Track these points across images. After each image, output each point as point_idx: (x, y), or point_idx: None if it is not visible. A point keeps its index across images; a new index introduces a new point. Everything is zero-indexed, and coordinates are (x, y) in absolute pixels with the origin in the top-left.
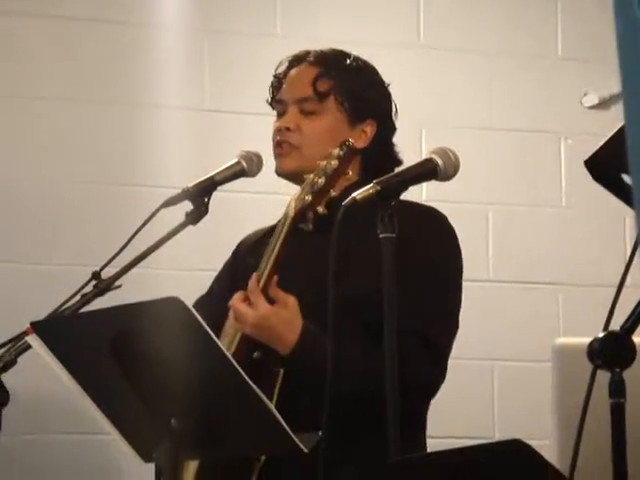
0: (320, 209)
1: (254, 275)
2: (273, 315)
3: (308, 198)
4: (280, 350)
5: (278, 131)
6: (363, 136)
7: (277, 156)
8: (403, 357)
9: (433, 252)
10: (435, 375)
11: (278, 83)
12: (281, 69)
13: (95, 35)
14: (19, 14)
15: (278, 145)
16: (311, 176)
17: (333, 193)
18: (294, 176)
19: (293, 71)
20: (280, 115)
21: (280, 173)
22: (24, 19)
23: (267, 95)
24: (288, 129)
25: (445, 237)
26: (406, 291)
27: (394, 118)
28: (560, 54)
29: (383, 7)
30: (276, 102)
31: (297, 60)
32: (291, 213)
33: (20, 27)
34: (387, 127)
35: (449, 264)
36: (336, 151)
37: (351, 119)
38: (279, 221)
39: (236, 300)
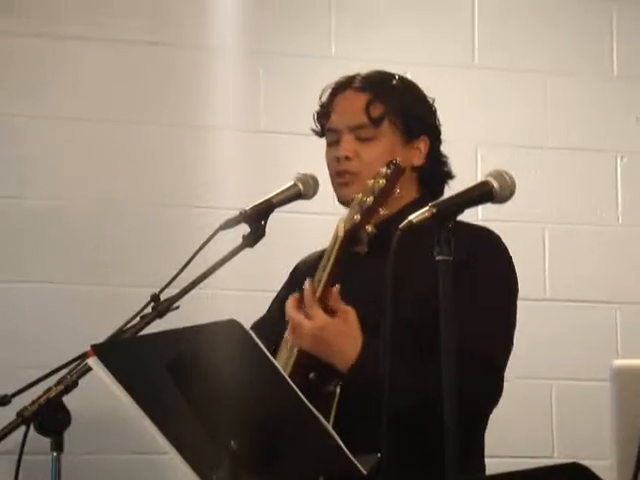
0: (369, 228)
1: (309, 284)
2: (332, 327)
3: (357, 217)
4: (338, 365)
5: (337, 161)
6: (418, 153)
7: (339, 185)
8: (460, 375)
9: (489, 272)
10: (492, 394)
11: (326, 111)
12: (325, 96)
13: (151, 58)
14: (76, 39)
15: (339, 175)
16: (359, 195)
17: (382, 212)
18: None
19: (341, 99)
20: (333, 144)
21: (344, 202)
22: (81, 43)
23: None
24: (347, 158)
25: (500, 257)
26: (462, 311)
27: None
28: (615, 73)
29: (437, 28)
30: (328, 131)
31: (342, 86)
32: (340, 233)
33: (78, 51)
34: (438, 141)
35: (504, 284)
36: (383, 170)
37: (405, 138)
38: (330, 240)
39: (291, 309)
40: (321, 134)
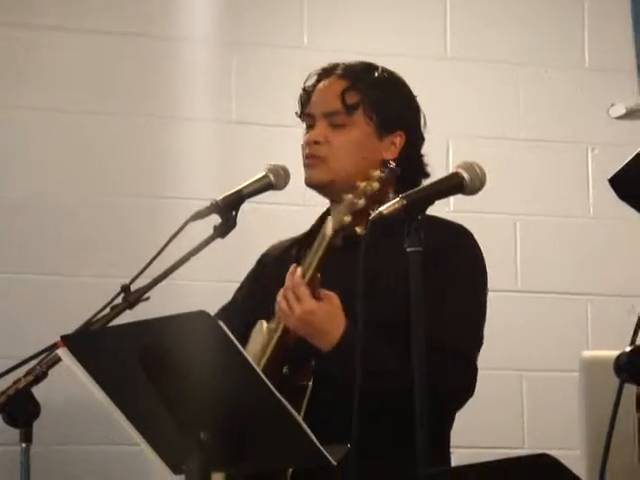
0: (359, 230)
1: (297, 269)
2: (319, 310)
3: (347, 219)
4: (322, 346)
5: (307, 144)
6: (392, 148)
7: (305, 167)
8: (435, 367)
9: (458, 267)
10: (466, 387)
11: (307, 96)
12: (309, 82)
13: (123, 48)
14: (48, 28)
15: (307, 158)
16: (350, 196)
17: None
18: (322, 188)
19: (321, 84)
20: (309, 128)
21: (309, 184)
22: (53, 33)
23: (294, 107)
24: (317, 142)
25: (470, 252)
26: (433, 304)
27: (423, 129)
28: (587, 65)
29: (409, 19)
30: (305, 115)
31: (325, 73)
32: (329, 232)
33: (49, 41)
34: (416, 138)
35: (474, 279)
36: (377, 173)
37: (379, 131)
38: (318, 236)
39: (282, 297)
40: (301, 119)
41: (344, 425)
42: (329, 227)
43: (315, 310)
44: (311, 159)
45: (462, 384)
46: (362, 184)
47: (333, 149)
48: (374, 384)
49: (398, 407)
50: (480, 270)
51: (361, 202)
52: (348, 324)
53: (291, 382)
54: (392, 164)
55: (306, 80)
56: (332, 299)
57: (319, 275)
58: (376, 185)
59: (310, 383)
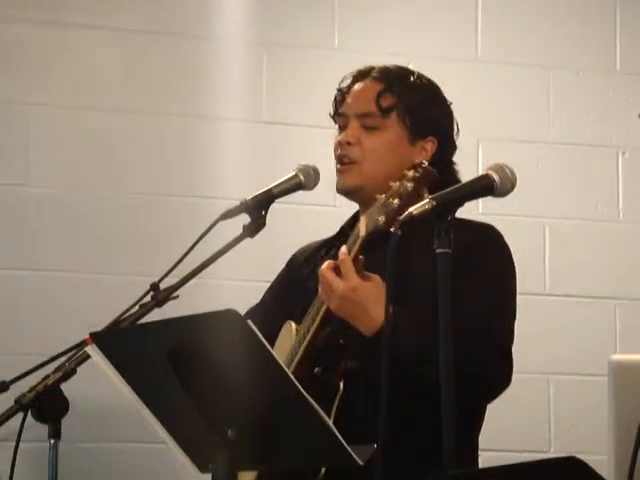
0: (394, 230)
1: (344, 247)
2: (364, 289)
3: (381, 219)
4: (365, 329)
5: (339, 145)
6: (423, 153)
7: (338, 172)
8: (474, 355)
9: (491, 264)
10: (505, 372)
11: (342, 97)
12: (345, 83)
13: (154, 47)
14: (79, 26)
15: (339, 159)
16: (383, 197)
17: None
18: (353, 194)
19: (356, 86)
20: (342, 129)
21: (340, 190)
22: (84, 31)
23: (325, 107)
24: (349, 143)
25: (502, 252)
26: (468, 296)
27: (455, 137)
28: (618, 68)
29: (441, 21)
30: (338, 116)
31: (361, 75)
32: (362, 233)
33: (80, 39)
34: (448, 145)
35: (506, 276)
36: (411, 173)
37: (412, 136)
38: (350, 237)
39: (326, 269)
40: (334, 119)
41: (374, 427)
42: (362, 228)
43: (359, 287)
44: (343, 161)
45: (501, 372)
46: (395, 184)
47: (365, 151)
48: (425, 370)
49: (429, 406)
50: (511, 269)
51: (395, 202)
52: (394, 309)
53: (322, 382)
54: (425, 163)
55: (341, 81)
56: (377, 281)
57: (362, 257)
58: (410, 185)
59: (341, 384)
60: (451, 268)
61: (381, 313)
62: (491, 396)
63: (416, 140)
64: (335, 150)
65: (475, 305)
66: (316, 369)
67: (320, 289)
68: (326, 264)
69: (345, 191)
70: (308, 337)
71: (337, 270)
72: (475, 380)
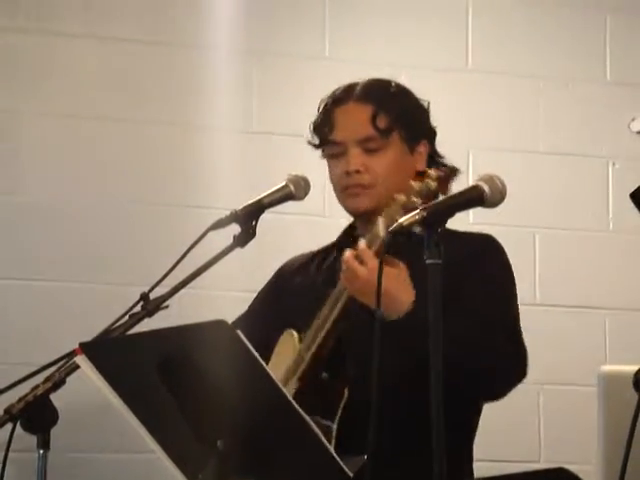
0: (418, 230)
1: (362, 243)
2: (387, 272)
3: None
4: (389, 312)
5: (347, 174)
6: (420, 158)
7: (349, 196)
8: (490, 348)
9: (492, 267)
10: (521, 363)
11: (326, 124)
12: (324, 108)
13: (145, 57)
14: (70, 35)
15: (350, 188)
16: (402, 196)
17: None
18: (368, 214)
19: (342, 111)
20: (337, 157)
21: (356, 212)
22: (75, 40)
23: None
24: (358, 171)
25: (501, 257)
26: (477, 301)
27: (434, 127)
28: (609, 78)
29: (431, 31)
30: (331, 144)
31: (342, 98)
32: (382, 233)
33: (71, 48)
34: (434, 140)
35: (507, 280)
36: (434, 173)
37: (409, 145)
38: (366, 238)
39: (349, 256)
40: (319, 146)
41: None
42: (381, 227)
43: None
44: (356, 188)
45: (516, 363)
46: (417, 183)
47: (376, 176)
48: (456, 350)
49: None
50: (512, 277)
51: (417, 201)
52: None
53: (328, 387)
54: (448, 164)
55: (319, 106)
56: (401, 266)
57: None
58: (434, 184)
59: (346, 390)
60: (447, 278)
61: (405, 297)
62: (505, 385)
63: (413, 148)
64: (340, 180)
65: (484, 303)
66: (323, 374)
67: (342, 277)
68: (348, 252)
69: (362, 213)
70: (318, 340)
71: (359, 257)
72: (488, 370)
